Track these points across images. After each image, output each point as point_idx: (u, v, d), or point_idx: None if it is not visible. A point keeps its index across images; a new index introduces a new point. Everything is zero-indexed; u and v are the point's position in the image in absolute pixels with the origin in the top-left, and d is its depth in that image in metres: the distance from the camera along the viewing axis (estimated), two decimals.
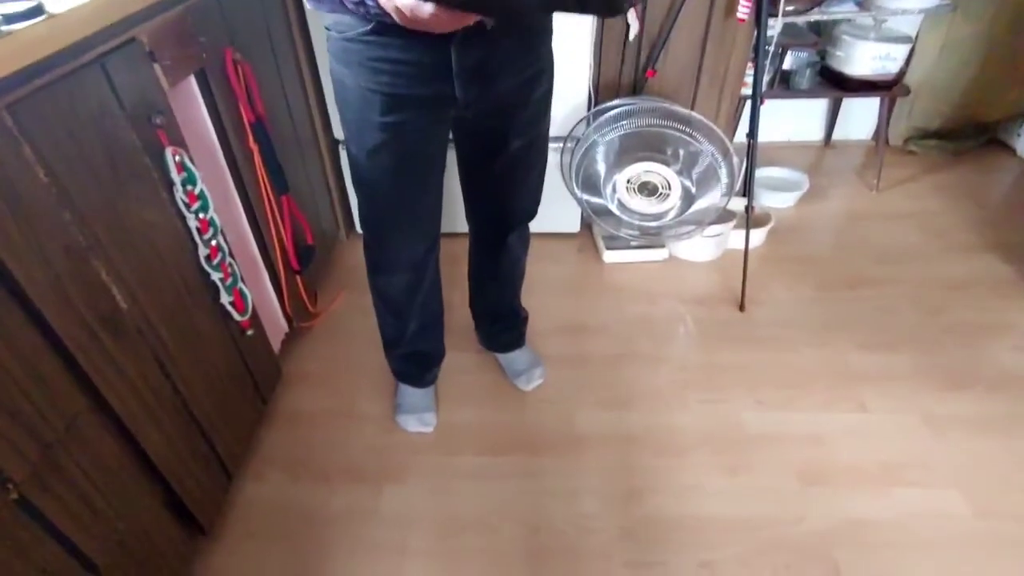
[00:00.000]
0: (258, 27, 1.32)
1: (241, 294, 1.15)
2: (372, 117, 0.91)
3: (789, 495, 1.18)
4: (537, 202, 1.19)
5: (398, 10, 0.63)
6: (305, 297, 1.54)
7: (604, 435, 1.31)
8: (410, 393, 1.36)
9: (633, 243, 1.83)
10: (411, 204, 1.04)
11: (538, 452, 1.29)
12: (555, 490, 1.21)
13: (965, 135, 2.32)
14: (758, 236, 1.84)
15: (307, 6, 0.83)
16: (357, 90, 0.90)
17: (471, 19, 0.68)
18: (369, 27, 0.81)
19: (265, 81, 1.31)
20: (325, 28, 0.91)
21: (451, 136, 1.04)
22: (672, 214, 1.63)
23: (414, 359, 1.34)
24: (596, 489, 1.21)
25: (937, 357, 1.47)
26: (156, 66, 0.92)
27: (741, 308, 1.64)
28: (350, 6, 0.70)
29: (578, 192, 1.65)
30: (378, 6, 0.67)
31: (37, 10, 0.71)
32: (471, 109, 0.93)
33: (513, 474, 1.24)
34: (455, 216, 1.30)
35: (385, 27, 0.79)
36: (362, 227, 1.12)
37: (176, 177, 0.94)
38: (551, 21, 0.96)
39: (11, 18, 0.69)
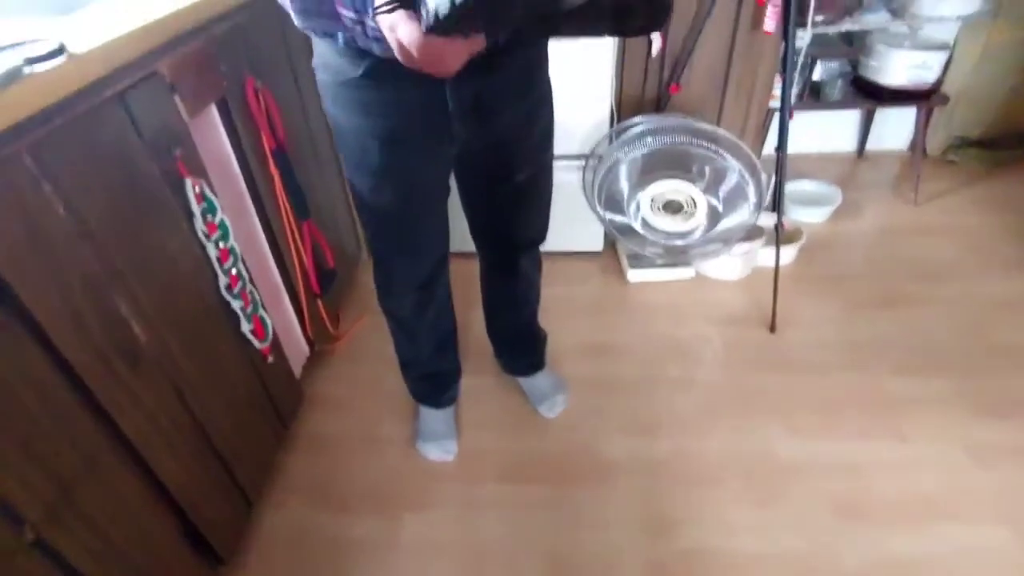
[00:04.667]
0: (278, 52, 1.33)
1: (262, 321, 1.15)
2: (371, 159, 0.90)
3: (824, 530, 1.12)
4: (545, 228, 1.17)
5: (400, 46, 0.56)
6: (327, 320, 1.53)
7: (630, 463, 1.27)
8: (430, 417, 1.35)
9: (658, 262, 1.79)
10: (415, 232, 1.03)
11: (563, 480, 1.25)
12: (580, 520, 1.17)
13: (1007, 144, 2.22)
14: (789, 253, 1.78)
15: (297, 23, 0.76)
16: (353, 132, 0.88)
17: (478, 46, 0.61)
18: (360, 72, 0.79)
19: (286, 104, 1.32)
20: (313, 67, 0.88)
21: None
22: (698, 232, 1.58)
23: (430, 380, 1.33)
24: (623, 520, 1.17)
25: (980, 381, 1.39)
26: (176, 98, 0.93)
27: (772, 329, 1.58)
28: (347, 23, 0.65)
29: (601, 211, 1.62)
30: (378, 29, 0.61)
31: (59, 51, 0.72)
32: (471, 145, 0.91)
33: (537, 503, 1.21)
34: (469, 235, 1.27)
35: (378, 69, 0.77)
36: (368, 251, 1.11)
37: (196, 207, 0.95)
38: (547, 50, 0.93)
39: (33, 60, 0.69)
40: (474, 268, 1.27)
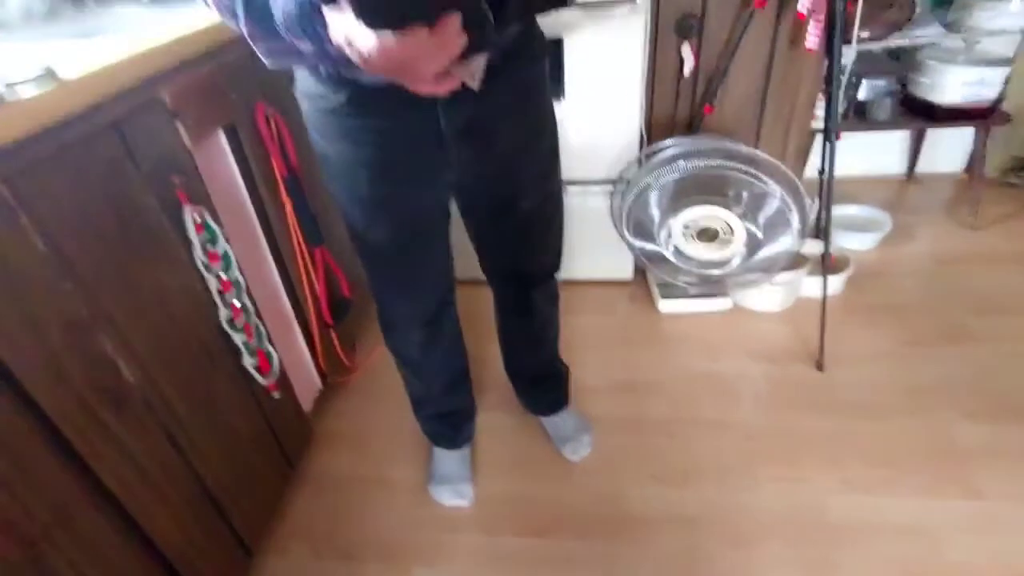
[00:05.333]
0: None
1: (267, 355, 1.09)
2: (361, 191, 0.84)
3: None
4: (558, 259, 1.09)
5: (362, 58, 0.50)
6: (341, 351, 1.47)
7: (661, 516, 1.16)
8: (445, 459, 1.26)
9: (692, 291, 1.68)
10: (416, 266, 0.96)
11: (587, 534, 1.14)
12: None
13: None
14: (835, 283, 1.65)
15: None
16: (342, 164, 0.82)
17: (452, 44, 0.51)
18: (346, 97, 0.73)
19: (300, 129, 1.27)
20: (295, 95, 0.82)
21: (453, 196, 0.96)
22: (736, 261, 1.47)
23: (443, 419, 1.24)
24: None
25: None
26: (179, 124, 0.89)
27: (819, 367, 1.45)
28: (310, 58, 0.61)
29: (629, 238, 1.53)
30: (338, 53, 0.54)
31: (45, 76, 0.68)
32: (470, 172, 0.84)
33: (558, 559, 1.10)
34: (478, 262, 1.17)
35: (363, 95, 0.71)
36: (369, 289, 1.03)
37: (195, 237, 0.89)
38: (545, 71, 0.86)
39: (14, 85, 0.65)
40: (486, 296, 1.18)
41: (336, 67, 0.67)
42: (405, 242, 0.91)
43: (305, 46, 0.55)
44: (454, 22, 0.48)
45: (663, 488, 1.21)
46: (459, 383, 1.20)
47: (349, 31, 0.48)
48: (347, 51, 0.50)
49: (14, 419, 0.64)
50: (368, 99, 0.72)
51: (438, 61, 0.51)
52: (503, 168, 0.86)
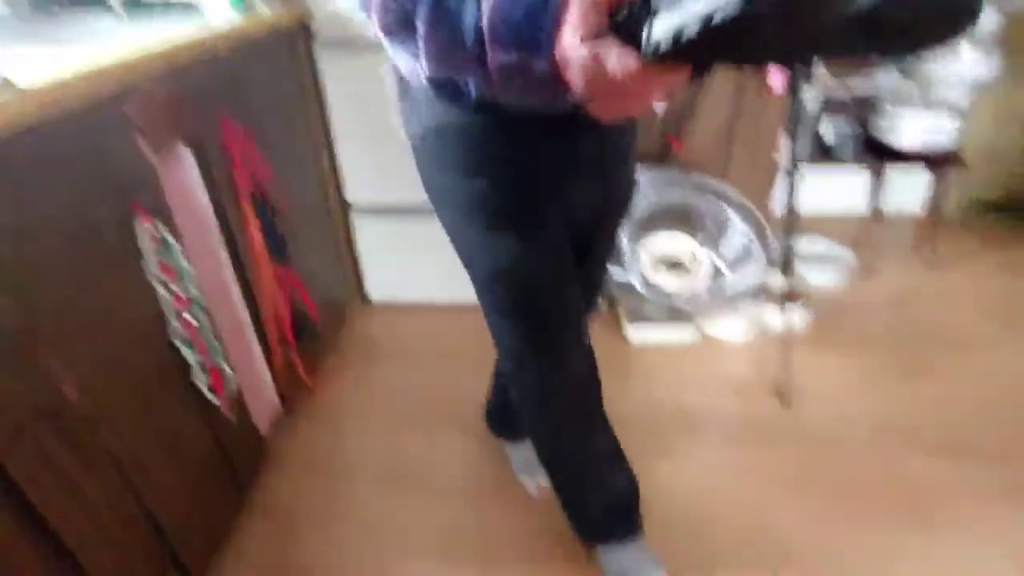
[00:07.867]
0: (264, 92, 1.28)
1: (221, 374, 1.06)
2: (508, 222, 0.78)
3: None
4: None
5: (598, 78, 0.44)
6: (303, 373, 1.44)
7: None
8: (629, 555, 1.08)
9: (658, 319, 1.69)
10: (564, 298, 0.86)
11: (533, 558, 1.12)
12: None
13: None
14: (800, 317, 1.68)
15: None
16: (479, 197, 0.76)
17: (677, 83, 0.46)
18: (490, 123, 0.69)
19: (272, 148, 1.27)
20: (409, 138, 0.78)
21: None
22: (701, 290, 1.49)
23: (622, 496, 1.06)
24: None
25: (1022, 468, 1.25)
26: (140, 137, 0.88)
27: (784, 401, 1.46)
28: (498, 70, 0.51)
29: None
30: (548, 72, 0.47)
31: (3, 86, 0.66)
32: (585, 200, 0.84)
33: None
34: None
35: (505, 122, 0.68)
36: (526, 352, 0.89)
37: (148, 249, 0.87)
38: None
39: None
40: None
41: (498, 87, 0.54)
42: (558, 269, 0.84)
43: (506, 57, 0.49)
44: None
45: None
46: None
47: (606, 54, 0.43)
48: (580, 69, 0.45)
49: None
50: (511, 128, 0.69)
51: (656, 95, 0.46)
52: (608, 193, 0.88)
